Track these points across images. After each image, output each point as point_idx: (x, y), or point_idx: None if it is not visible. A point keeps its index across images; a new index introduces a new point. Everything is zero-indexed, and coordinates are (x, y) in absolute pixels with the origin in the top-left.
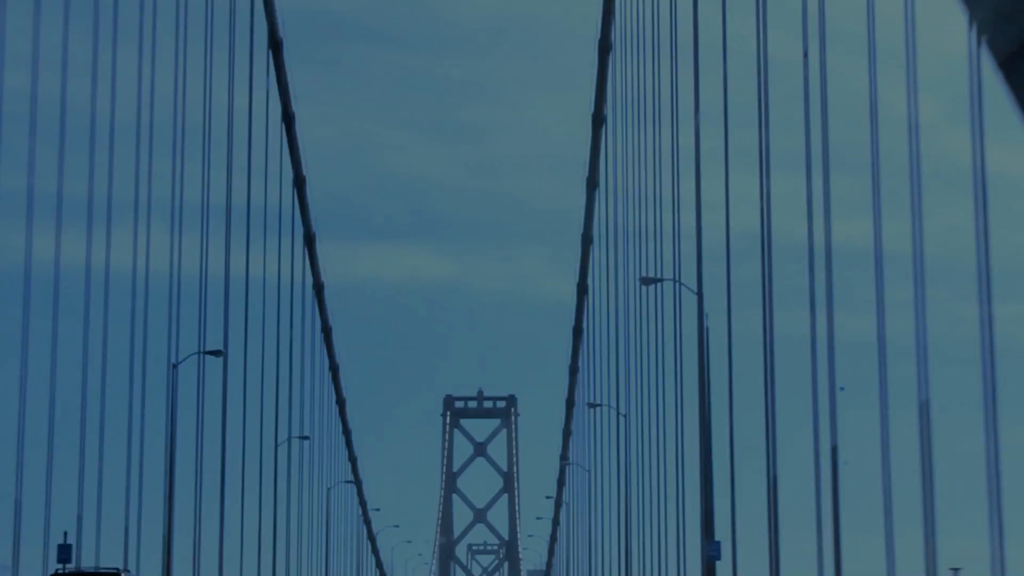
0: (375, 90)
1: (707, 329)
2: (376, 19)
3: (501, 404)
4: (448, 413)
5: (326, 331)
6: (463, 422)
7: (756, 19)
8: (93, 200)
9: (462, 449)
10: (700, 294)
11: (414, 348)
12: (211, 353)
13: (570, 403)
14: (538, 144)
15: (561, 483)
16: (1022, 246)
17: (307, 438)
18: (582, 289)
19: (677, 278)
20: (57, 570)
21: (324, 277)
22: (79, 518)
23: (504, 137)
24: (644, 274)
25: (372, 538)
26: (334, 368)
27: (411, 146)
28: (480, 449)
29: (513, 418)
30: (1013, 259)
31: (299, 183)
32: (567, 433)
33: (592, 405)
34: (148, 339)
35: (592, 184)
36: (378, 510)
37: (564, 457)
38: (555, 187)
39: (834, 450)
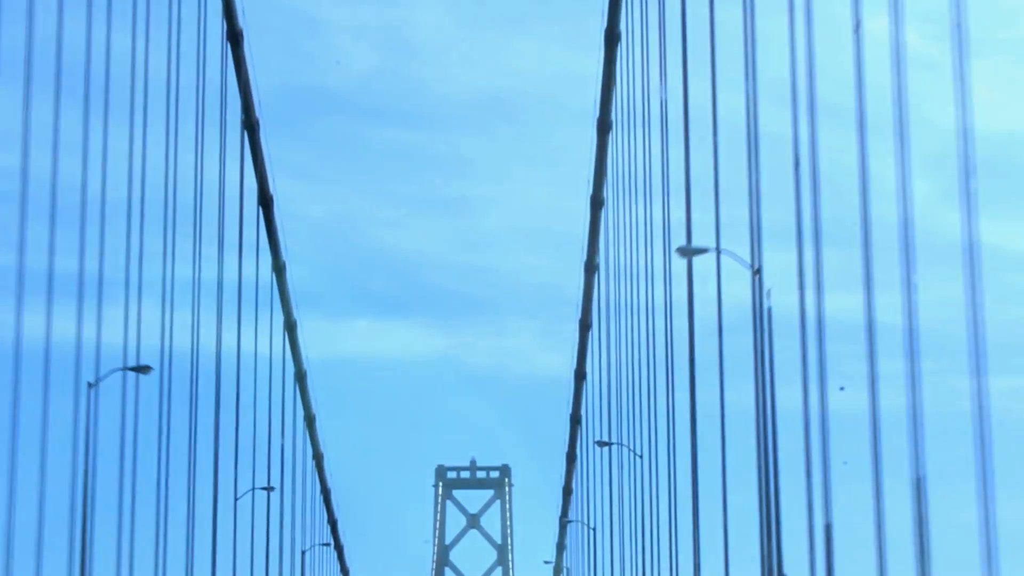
0: (365, 166)
1: (769, 310)
2: (366, 95)
3: (495, 474)
4: (440, 484)
5: (309, 420)
6: (456, 493)
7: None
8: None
9: (455, 520)
10: (760, 270)
11: (405, 422)
12: (136, 369)
13: (571, 457)
14: (528, 219)
15: (561, 548)
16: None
17: (272, 489)
18: (584, 326)
19: (718, 246)
20: None
21: (312, 354)
22: None
23: (494, 212)
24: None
25: None
26: (309, 419)
27: (402, 221)
28: (473, 521)
29: (507, 488)
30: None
31: (278, 270)
32: (567, 491)
33: (602, 444)
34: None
35: (596, 205)
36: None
37: (564, 516)
38: (546, 262)
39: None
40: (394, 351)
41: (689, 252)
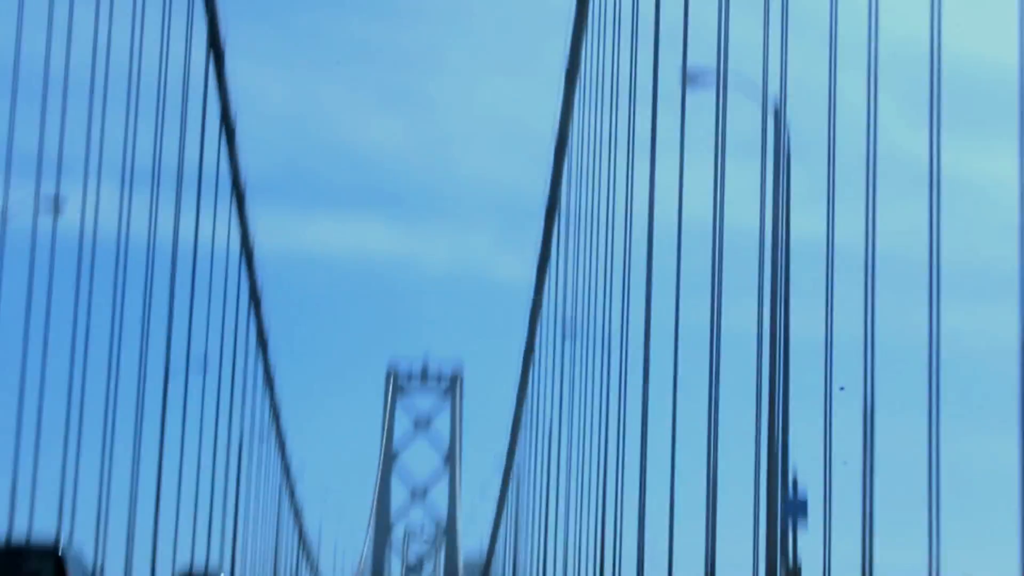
0: (330, 57)
1: (788, 155)
2: None
3: (447, 379)
4: (391, 387)
5: (256, 299)
6: (406, 396)
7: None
8: None
9: (405, 424)
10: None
11: (359, 320)
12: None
13: (529, 351)
14: (495, 121)
15: (512, 451)
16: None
17: (203, 366)
18: (552, 208)
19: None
20: None
21: (268, 246)
22: None
23: (460, 111)
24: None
25: (296, 508)
26: (256, 299)
27: (364, 115)
28: (423, 425)
29: (459, 393)
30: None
31: (229, 133)
32: (522, 390)
33: (569, 334)
34: None
35: (572, 75)
36: (303, 473)
37: (517, 420)
38: (508, 166)
39: None
40: (351, 247)
41: (692, 78)
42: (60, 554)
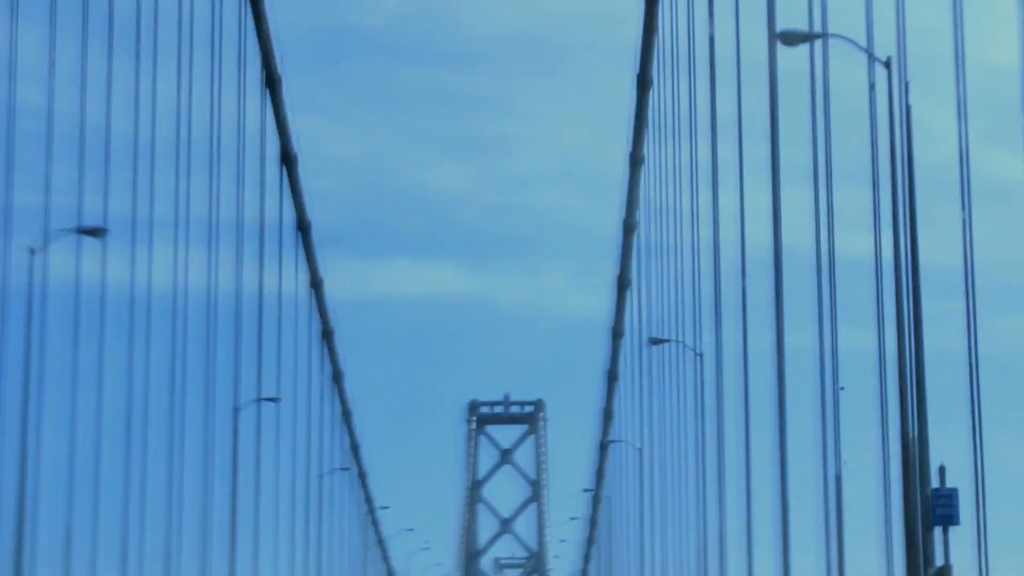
0: (397, 106)
1: (908, 108)
2: (399, 34)
3: (528, 409)
4: (473, 419)
5: (327, 334)
6: (489, 428)
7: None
8: None
9: (488, 456)
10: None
11: (438, 361)
12: (88, 232)
13: (611, 376)
14: (563, 160)
15: (600, 475)
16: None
17: (276, 400)
18: (629, 228)
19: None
20: None
21: (344, 294)
22: None
23: (529, 152)
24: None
25: (381, 542)
26: (328, 333)
27: (435, 162)
28: (507, 456)
29: (541, 423)
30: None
31: (288, 159)
32: (607, 414)
33: (655, 341)
34: None
35: (643, 86)
36: (387, 508)
37: (604, 441)
38: (580, 203)
39: None
40: (427, 291)
41: (795, 38)
42: None
